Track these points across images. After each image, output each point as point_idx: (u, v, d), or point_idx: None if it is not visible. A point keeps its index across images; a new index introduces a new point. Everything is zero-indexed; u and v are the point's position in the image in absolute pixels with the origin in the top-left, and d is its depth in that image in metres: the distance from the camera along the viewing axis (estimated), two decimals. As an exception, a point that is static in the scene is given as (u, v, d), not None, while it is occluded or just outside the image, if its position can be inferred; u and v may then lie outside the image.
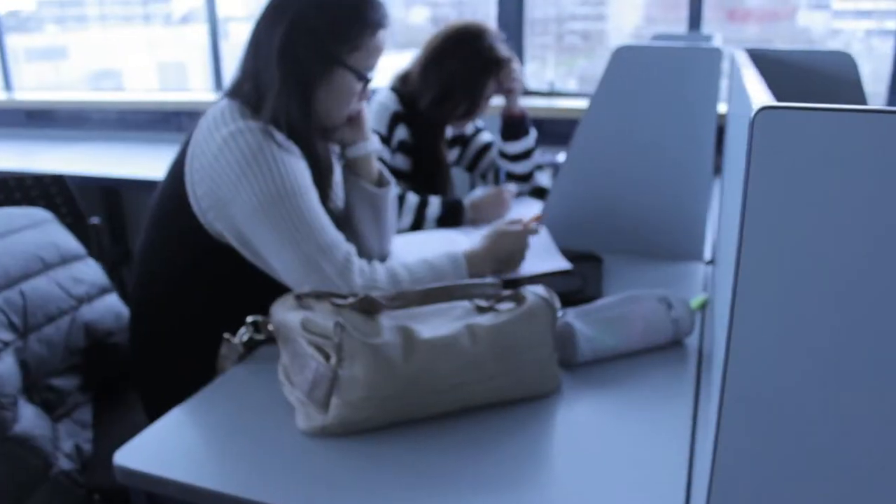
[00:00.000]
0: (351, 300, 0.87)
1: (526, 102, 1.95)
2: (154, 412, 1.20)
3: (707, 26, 2.59)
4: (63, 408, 1.21)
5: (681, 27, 2.61)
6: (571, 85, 3.02)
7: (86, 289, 1.31)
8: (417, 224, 1.66)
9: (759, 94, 0.54)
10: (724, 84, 1.37)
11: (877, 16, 2.67)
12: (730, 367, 0.50)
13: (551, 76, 3.08)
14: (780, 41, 2.70)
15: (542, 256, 1.37)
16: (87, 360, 1.26)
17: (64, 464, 1.10)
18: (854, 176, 0.45)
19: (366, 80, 1.21)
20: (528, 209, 1.73)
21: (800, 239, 0.46)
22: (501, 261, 1.28)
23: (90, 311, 1.30)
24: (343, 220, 1.28)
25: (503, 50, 1.79)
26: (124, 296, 1.48)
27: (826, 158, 0.45)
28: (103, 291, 1.36)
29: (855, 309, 0.46)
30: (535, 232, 1.33)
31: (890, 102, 2.33)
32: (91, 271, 1.35)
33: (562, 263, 1.33)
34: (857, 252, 0.46)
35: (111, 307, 1.36)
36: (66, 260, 1.32)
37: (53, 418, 1.17)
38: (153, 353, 1.24)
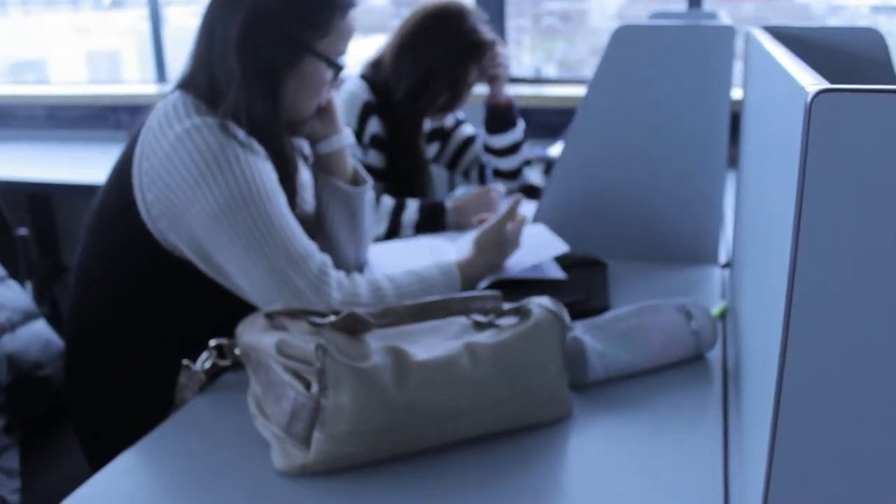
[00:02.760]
0: (332, 318, 0.86)
1: (512, 91, 1.95)
2: (97, 457, 1.18)
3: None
4: (-15, 453, 1.17)
5: (672, 6, 2.63)
6: (550, 71, 3.04)
7: (7, 315, 1.27)
8: (393, 231, 1.66)
9: (806, 76, 0.53)
10: (737, 67, 1.38)
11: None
12: (784, 396, 0.48)
13: (528, 61, 3.09)
14: (777, 19, 2.74)
15: (536, 245, 1.36)
16: (10, 397, 1.22)
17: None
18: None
19: (338, 68, 1.20)
20: (520, 211, 1.71)
21: (868, 237, 0.46)
22: (494, 268, 1.28)
23: (13, 341, 1.26)
24: (314, 226, 1.27)
25: (486, 32, 1.79)
26: (56, 320, 1.44)
27: (893, 145, 0.44)
28: (28, 317, 1.32)
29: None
30: (522, 221, 1.32)
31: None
32: (13, 294, 1.31)
33: (560, 246, 1.33)
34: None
35: (38, 334, 1.31)
36: (-20, 282, 1.28)
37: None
38: (94, 385, 1.21)
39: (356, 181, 1.32)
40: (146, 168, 1.11)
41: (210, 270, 1.13)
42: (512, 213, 1.31)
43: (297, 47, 1.15)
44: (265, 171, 1.11)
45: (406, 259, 1.35)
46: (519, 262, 1.31)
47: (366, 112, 1.75)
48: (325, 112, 1.26)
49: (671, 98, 1.38)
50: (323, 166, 1.29)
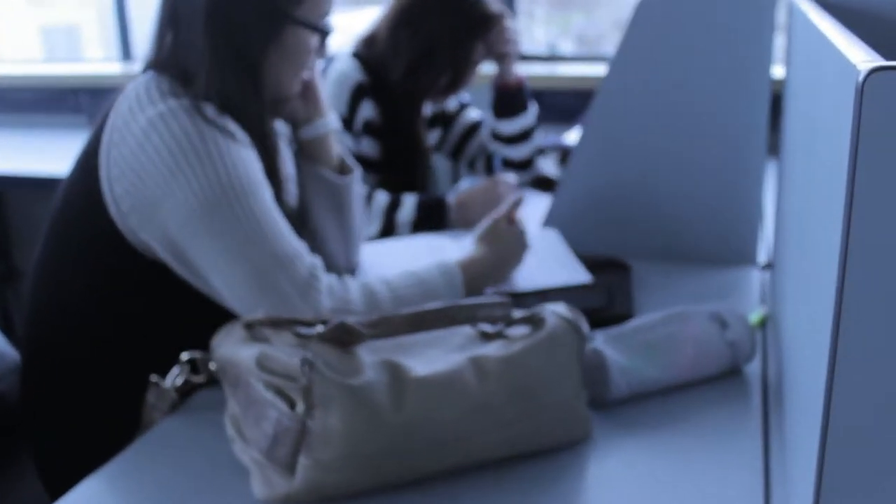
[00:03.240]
0: (320, 328, 0.86)
1: (523, 70, 1.96)
2: (55, 483, 1.19)
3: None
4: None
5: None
6: (566, 47, 3.04)
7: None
8: (387, 230, 1.67)
9: (857, 51, 0.53)
10: (779, 42, 1.38)
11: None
12: (834, 415, 0.48)
13: (541, 36, 3.09)
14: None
15: (554, 266, 1.37)
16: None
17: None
18: None
19: (323, 32, 1.21)
20: (532, 206, 1.73)
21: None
22: (500, 268, 1.29)
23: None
24: (298, 222, 1.28)
25: (493, 3, 1.79)
26: (8, 329, 1.44)
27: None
28: (-25, 326, 1.32)
29: None
30: (515, 223, 1.33)
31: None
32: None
33: (580, 275, 1.34)
34: None
35: (-11, 345, 1.32)
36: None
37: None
38: (53, 403, 1.21)
39: (343, 170, 1.32)
40: (114, 158, 1.11)
41: (185, 273, 1.13)
42: (509, 215, 1.32)
43: (275, 16, 1.15)
44: (248, 160, 1.12)
45: (403, 261, 1.35)
46: (530, 279, 1.32)
47: (358, 94, 1.75)
48: (307, 91, 1.27)
49: (704, 78, 1.38)
50: (306, 154, 1.30)
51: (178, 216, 1.08)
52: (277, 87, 1.20)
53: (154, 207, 1.09)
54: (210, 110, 1.11)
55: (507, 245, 1.29)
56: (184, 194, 1.07)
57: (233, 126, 1.12)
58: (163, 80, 1.13)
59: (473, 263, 1.25)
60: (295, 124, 1.29)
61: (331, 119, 1.30)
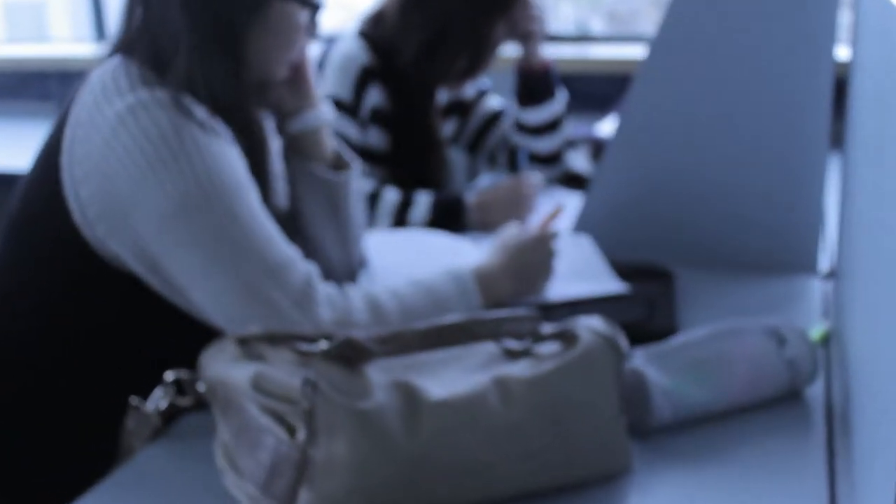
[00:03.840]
0: (324, 344, 0.86)
1: (550, 52, 1.96)
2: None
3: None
4: None
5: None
6: (598, 26, 3.04)
7: None
8: None
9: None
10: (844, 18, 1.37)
11: None
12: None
13: (570, 14, 3.09)
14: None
15: (586, 275, 1.37)
16: None
17: None
18: None
19: (313, 6, 1.21)
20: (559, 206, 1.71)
21: None
22: (523, 280, 1.29)
23: None
24: (289, 225, 1.28)
25: (515, -23, 1.80)
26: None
27: None
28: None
29: None
30: (554, 236, 1.34)
31: None
32: None
33: (614, 285, 1.34)
34: None
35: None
36: None
37: None
38: (17, 432, 1.21)
39: (338, 165, 1.33)
40: (78, 157, 1.11)
41: (162, 286, 1.14)
42: (545, 230, 1.33)
43: None
44: (231, 157, 1.12)
45: (416, 260, 1.36)
46: (560, 289, 1.32)
47: (364, 79, 1.76)
48: (296, 77, 1.27)
49: (757, 60, 1.38)
50: (295, 149, 1.30)
51: (151, 223, 1.09)
52: (262, 71, 1.20)
53: (124, 214, 1.10)
54: (186, 101, 1.11)
55: (531, 254, 1.30)
56: (158, 198, 1.08)
57: (212, 119, 1.12)
58: (132, 66, 1.13)
59: (491, 273, 1.25)
60: (282, 115, 1.30)
61: (323, 110, 1.31)
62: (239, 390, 0.86)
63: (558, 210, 1.36)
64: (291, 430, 0.82)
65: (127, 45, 1.17)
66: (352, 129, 1.74)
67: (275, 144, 1.32)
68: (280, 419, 0.83)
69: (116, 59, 1.16)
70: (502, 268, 1.26)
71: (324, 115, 1.31)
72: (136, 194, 1.08)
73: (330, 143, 1.33)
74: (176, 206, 1.08)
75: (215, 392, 0.90)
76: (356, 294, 1.15)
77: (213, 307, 1.10)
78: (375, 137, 1.80)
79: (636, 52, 2.50)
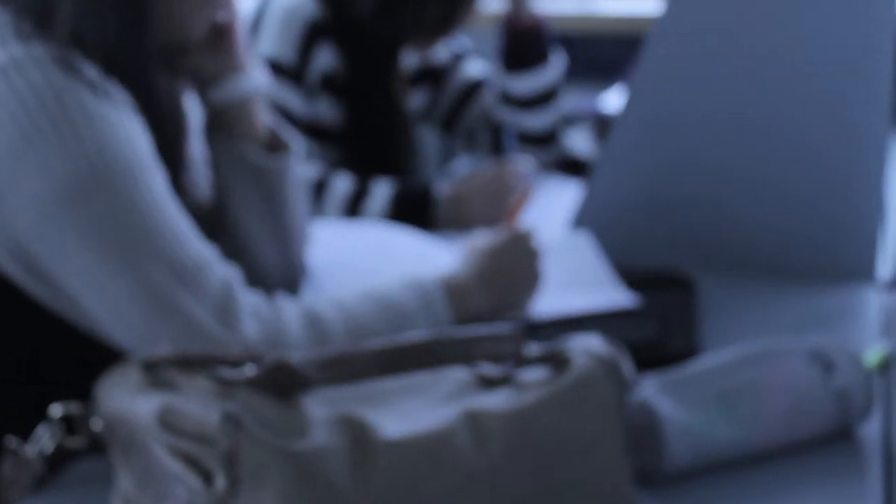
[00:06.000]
0: (251, 369, 0.86)
1: (544, 7, 1.98)
2: None
3: None
4: None
5: None
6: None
7: None
8: None
9: None
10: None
11: None
12: None
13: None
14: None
15: (585, 284, 1.38)
16: None
17: None
18: None
19: None
20: (555, 198, 1.73)
21: None
22: (502, 290, 1.29)
23: None
24: (213, 221, 1.29)
25: None
26: None
27: None
28: None
29: None
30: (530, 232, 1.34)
31: None
32: None
33: (621, 297, 1.34)
34: None
35: None
36: None
37: None
38: None
39: (274, 146, 1.33)
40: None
41: (45, 293, 1.14)
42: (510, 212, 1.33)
43: None
44: (131, 130, 1.13)
45: (370, 266, 1.37)
46: (551, 302, 1.33)
47: (312, 36, 1.77)
48: (219, 38, 1.27)
49: (800, 20, 1.38)
50: (220, 125, 1.31)
51: (28, 213, 1.09)
52: (172, 27, 1.21)
53: None
54: (74, 59, 1.11)
55: (508, 257, 1.30)
56: (36, 181, 1.08)
57: (108, 83, 1.12)
58: (6, 16, 1.14)
59: (462, 281, 1.25)
60: (202, 84, 1.30)
61: (254, 76, 1.31)
62: (143, 428, 0.85)
63: (525, 194, 1.36)
64: (208, 477, 0.81)
65: None
66: (295, 100, 1.75)
67: (196, 121, 1.33)
68: (194, 463, 0.82)
69: None
70: (475, 275, 1.27)
71: (255, 82, 1.31)
72: (10, 177, 1.09)
73: (263, 119, 1.34)
74: (59, 191, 1.08)
75: (114, 430, 0.89)
76: (290, 306, 1.16)
77: (110, 319, 1.11)
78: (325, 110, 1.81)
79: (649, 7, 2.53)
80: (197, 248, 1.13)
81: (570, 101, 2.01)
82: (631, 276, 1.38)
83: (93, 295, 1.11)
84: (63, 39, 1.12)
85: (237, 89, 1.30)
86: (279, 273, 1.33)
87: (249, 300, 1.14)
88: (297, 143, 1.35)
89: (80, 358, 1.07)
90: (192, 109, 1.33)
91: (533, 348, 0.93)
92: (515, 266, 1.31)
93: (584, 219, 1.51)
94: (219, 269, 1.14)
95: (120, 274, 1.09)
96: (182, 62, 1.26)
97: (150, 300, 1.10)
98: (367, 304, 1.19)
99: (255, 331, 1.12)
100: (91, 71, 1.12)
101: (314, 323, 1.15)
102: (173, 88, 1.25)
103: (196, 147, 1.31)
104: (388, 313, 1.18)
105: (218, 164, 1.31)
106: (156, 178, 1.13)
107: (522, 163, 1.74)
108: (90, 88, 1.10)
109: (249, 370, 0.86)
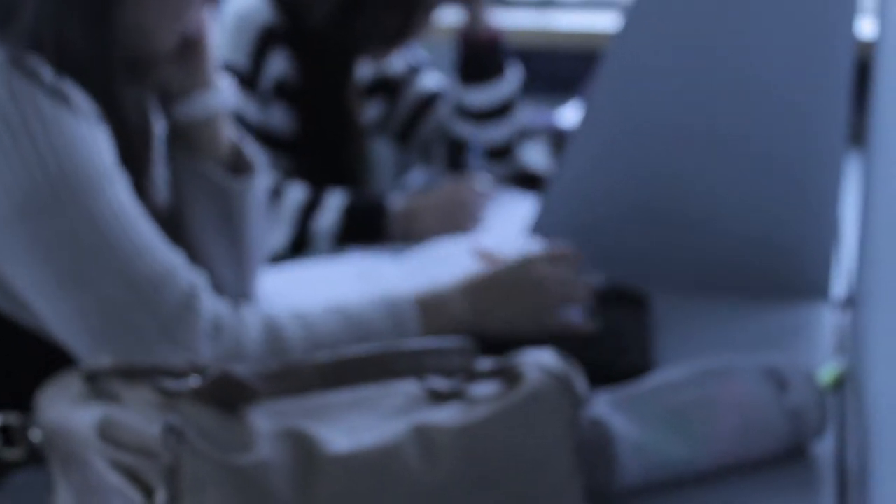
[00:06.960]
0: (195, 381, 0.85)
1: (501, 20, 1.99)
2: None
3: None
4: None
5: None
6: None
7: None
8: (301, 242, 1.69)
9: None
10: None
11: None
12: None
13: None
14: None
15: None
16: None
17: None
18: None
19: None
20: (510, 212, 1.74)
21: None
22: (501, 317, 1.27)
23: None
24: (170, 230, 1.27)
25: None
26: None
27: None
28: None
29: None
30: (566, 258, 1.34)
31: None
32: None
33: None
34: None
35: None
36: None
37: None
38: None
39: (238, 166, 1.33)
40: None
41: (5, 303, 1.15)
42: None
43: None
44: (92, 139, 1.12)
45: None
46: None
47: (265, 42, 1.78)
48: (188, 51, 1.27)
49: (756, 36, 1.39)
50: (184, 141, 1.30)
51: None
52: (140, 37, 1.20)
53: None
54: (34, 63, 1.11)
55: (514, 282, 1.29)
56: None
57: (70, 90, 1.12)
58: None
59: (442, 298, 1.24)
60: (168, 98, 1.30)
61: (222, 94, 1.31)
62: (82, 440, 0.84)
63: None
64: (148, 491, 0.80)
65: None
66: (249, 106, 1.75)
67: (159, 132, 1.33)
68: (134, 477, 0.81)
69: None
70: (460, 289, 1.26)
71: (222, 99, 1.31)
72: None
73: (228, 135, 1.33)
74: (14, 202, 1.08)
75: (54, 442, 0.88)
76: (253, 317, 1.16)
77: (62, 331, 1.11)
78: (278, 117, 1.82)
79: (608, 22, 2.55)
80: (160, 258, 1.13)
81: (527, 115, 2.02)
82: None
83: (45, 306, 1.11)
84: (21, 43, 1.12)
85: (203, 105, 1.29)
86: (233, 293, 1.32)
87: (212, 309, 1.14)
88: (260, 160, 1.35)
89: (23, 362, 1.09)
90: (157, 120, 1.33)
91: (484, 362, 0.94)
92: (517, 291, 1.29)
93: (539, 233, 1.51)
94: (183, 278, 1.14)
95: (72, 289, 1.10)
96: (149, 74, 1.26)
97: (100, 316, 1.10)
98: (333, 318, 1.19)
99: (212, 346, 1.12)
100: (51, 77, 1.11)
101: (273, 335, 1.15)
102: (140, 98, 1.25)
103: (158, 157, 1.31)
104: (353, 328, 1.18)
105: (178, 178, 1.30)
106: (116, 189, 1.12)
107: (479, 180, 1.74)
108: (49, 94, 1.10)
109: (193, 381, 0.85)
